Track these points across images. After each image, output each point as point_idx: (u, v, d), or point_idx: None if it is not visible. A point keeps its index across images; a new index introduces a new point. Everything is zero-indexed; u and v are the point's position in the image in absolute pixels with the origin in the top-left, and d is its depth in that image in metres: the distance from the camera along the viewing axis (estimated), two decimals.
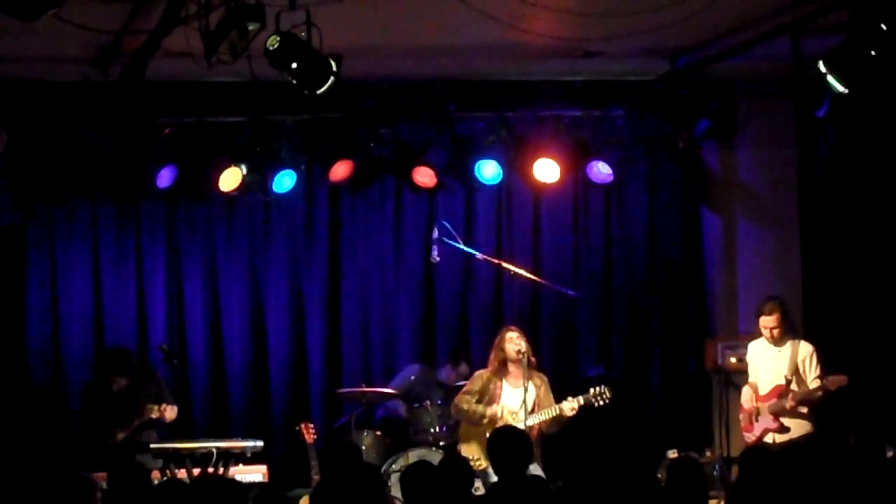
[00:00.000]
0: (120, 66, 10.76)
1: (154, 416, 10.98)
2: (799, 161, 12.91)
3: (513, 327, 11.06)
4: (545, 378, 11.06)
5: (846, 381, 10.75)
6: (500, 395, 10.88)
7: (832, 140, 12.69)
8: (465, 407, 10.87)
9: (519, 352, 10.80)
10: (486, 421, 10.77)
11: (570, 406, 10.78)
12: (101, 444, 10.92)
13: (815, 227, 12.95)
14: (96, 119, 11.17)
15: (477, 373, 11.10)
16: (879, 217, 12.78)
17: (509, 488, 7.23)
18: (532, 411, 10.80)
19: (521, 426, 10.26)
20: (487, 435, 10.39)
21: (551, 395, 10.97)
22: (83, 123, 11.43)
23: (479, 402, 10.88)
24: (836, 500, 6.91)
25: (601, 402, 10.80)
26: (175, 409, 11.16)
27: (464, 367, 12.21)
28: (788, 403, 10.87)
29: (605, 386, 10.83)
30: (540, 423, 10.81)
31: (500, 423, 10.41)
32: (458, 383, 11.84)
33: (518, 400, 10.78)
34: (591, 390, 10.82)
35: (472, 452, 10.69)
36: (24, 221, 12.23)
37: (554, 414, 10.80)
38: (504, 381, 10.92)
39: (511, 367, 10.91)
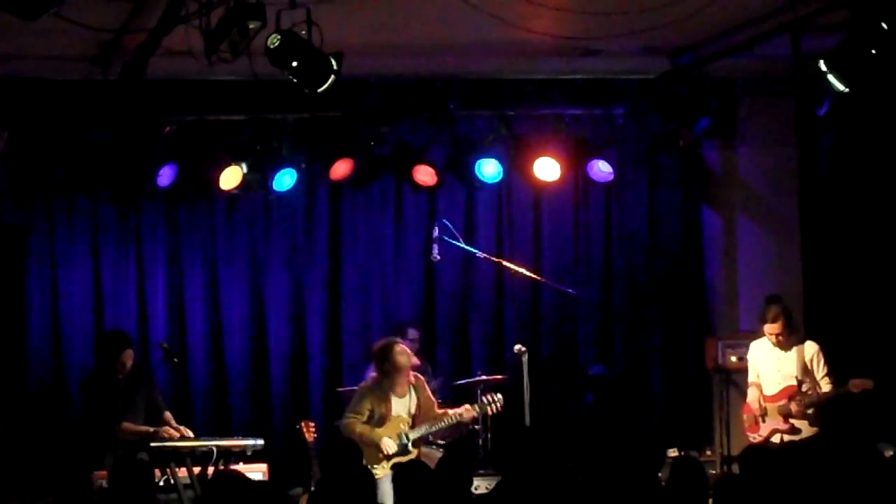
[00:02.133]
0: (120, 64, 10.75)
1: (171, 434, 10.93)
2: (799, 160, 12.92)
3: (400, 340, 11.01)
4: (420, 377, 11.07)
5: (872, 385, 10.73)
6: (391, 409, 10.81)
7: (833, 139, 12.69)
8: (358, 430, 10.68)
9: (409, 363, 10.85)
10: (370, 443, 10.68)
11: (471, 415, 10.95)
12: (107, 434, 10.85)
13: (815, 226, 12.95)
14: (97, 117, 11.18)
15: (361, 389, 10.94)
16: (880, 216, 12.78)
17: (512, 488, 7.23)
18: (415, 415, 10.87)
19: (402, 431, 10.71)
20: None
21: (429, 392, 11.02)
22: (84, 122, 11.44)
23: (370, 417, 10.75)
24: (835, 499, 6.91)
25: (495, 410, 11.01)
26: (170, 415, 11.14)
27: (412, 333, 12.14)
28: (796, 406, 10.88)
29: (498, 393, 11.06)
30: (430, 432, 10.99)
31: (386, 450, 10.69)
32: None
33: (405, 408, 10.85)
34: (483, 399, 11.03)
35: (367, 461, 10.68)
36: (25, 219, 12.23)
37: (450, 423, 10.94)
38: (391, 393, 10.82)
39: (397, 379, 10.82)
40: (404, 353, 10.83)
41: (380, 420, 10.80)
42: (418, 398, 10.94)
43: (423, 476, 7.29)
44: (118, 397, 10.97)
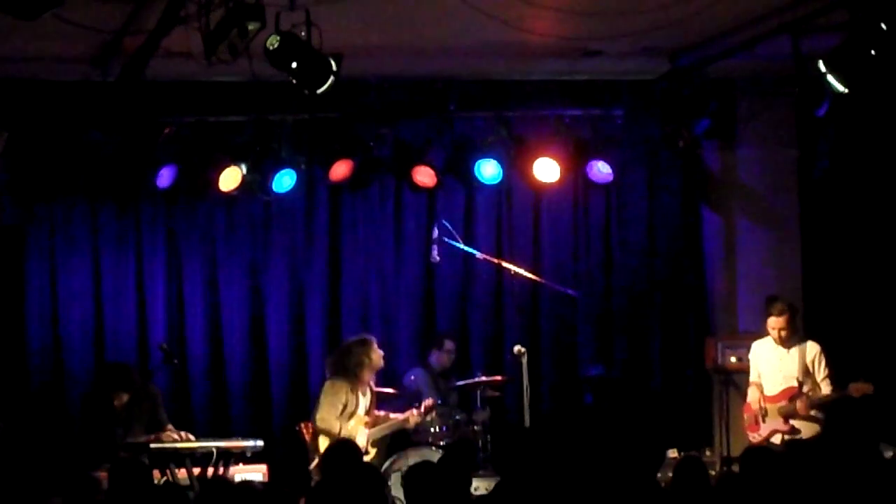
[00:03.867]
0: (120, 65, 10.75)
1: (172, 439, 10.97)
2: (799, 160, 12.91)
3: (373, 338, 11.30)
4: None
5: (871, 389, 10.72)
6: (358, 406, 11.10)
7: (832, 140, 12.68)
8: (338, 426, 10.95)
9: (381, 364, 11.22)
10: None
11: (415, 420, 11.31)
12: (106, 448, 10.87)
13: (815, 227, 12.95)
14: (96, 119, 11.17)
15: (336, 386, 11.11)
16: (879, 216, 12.78)
17: (511, 488, 7.23)
18: (368, 413, 11.23)
19: (363, 436, 11.02)
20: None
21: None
22: (83, 123, 11.43)
23: (342, 413, 11.03)
24: (837, 499, 6.91)
25: (430, 417, 11.40)
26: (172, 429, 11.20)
27: (449, 344, 12.35)
28: (802, 406, 10.88)
29: (429, 402, 11.42)
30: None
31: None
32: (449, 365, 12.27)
33: (364, 407, 11.17)
34: (418, 411, 11.37)
35: None
36: (24, 221, 12.22)
37: (395, 428, 11.31)
38: (359, 391, 11.14)
39: (367, 377, 11.15)
40: (378, 353, 11.17)
41: (349, 416, 11.05)
42: (372, 400, 11.29)
43: (431, 476, 7.26)
44: (117, 422, 10.99)
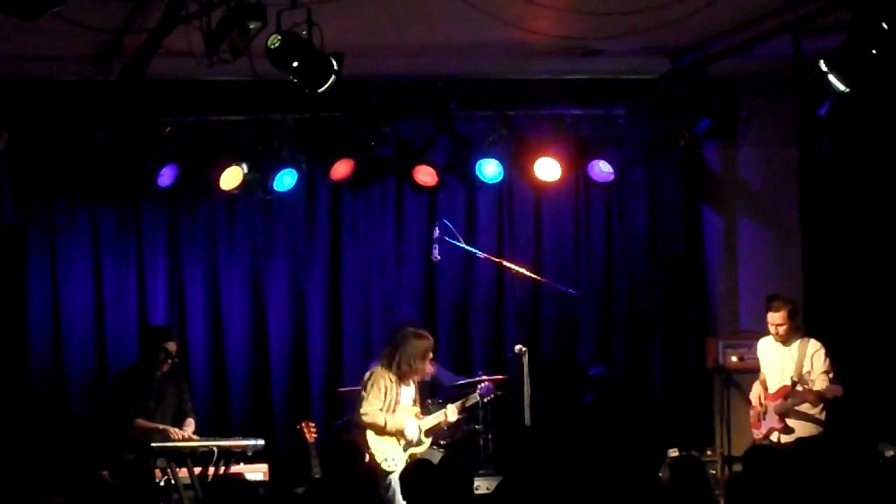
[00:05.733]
0: (121, 64, 10.76)
1: (178, 436, 10.93)
2: (800, 160, 12.92)
3: (430, 339, 11.04)
4: None
5: (841, 391, 10.74)
6: (400, 397, 10.81)
7: (833, 139, 12.69)
8: (381, 418, 10.64)
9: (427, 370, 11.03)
10: (395, 431, 10.74)
11: (454, 414, 11.04)
12: (126, 429, 10.86)
13: (816, 226, 12.95)
14: (98, 118, 11.18)
15: (377, 375, 10.80)
16: (881, 216, 12.78)
17: (513, 487, 7.24)
18: (416, 405, 11.00)
19: (417, 421, 10.77)
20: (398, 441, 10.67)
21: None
22: (84, 122, 11.44)
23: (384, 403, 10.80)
24: (837, 498, 6.92)
25: (488, 399, 11.25)
26: (192, 423, 11.17)
27: None
28: (794, 406, 10.88)
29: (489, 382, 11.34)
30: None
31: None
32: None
33: (410, 397, 10.90)
34: (478, 388, 11.28)
35: (386, 454, 10.67)
36: (25, 220, 12.23)
37: (438, 421, 10.98)
38: (402, 382, 10.85)
39: (411, 376, 10.89)
40: (430, 359, 10.96)
41: (391, 408, 10.76)
42: (418, 392, 11.02)
43: (430, 475, 7.28)
44: (150, 395, 11.00)
